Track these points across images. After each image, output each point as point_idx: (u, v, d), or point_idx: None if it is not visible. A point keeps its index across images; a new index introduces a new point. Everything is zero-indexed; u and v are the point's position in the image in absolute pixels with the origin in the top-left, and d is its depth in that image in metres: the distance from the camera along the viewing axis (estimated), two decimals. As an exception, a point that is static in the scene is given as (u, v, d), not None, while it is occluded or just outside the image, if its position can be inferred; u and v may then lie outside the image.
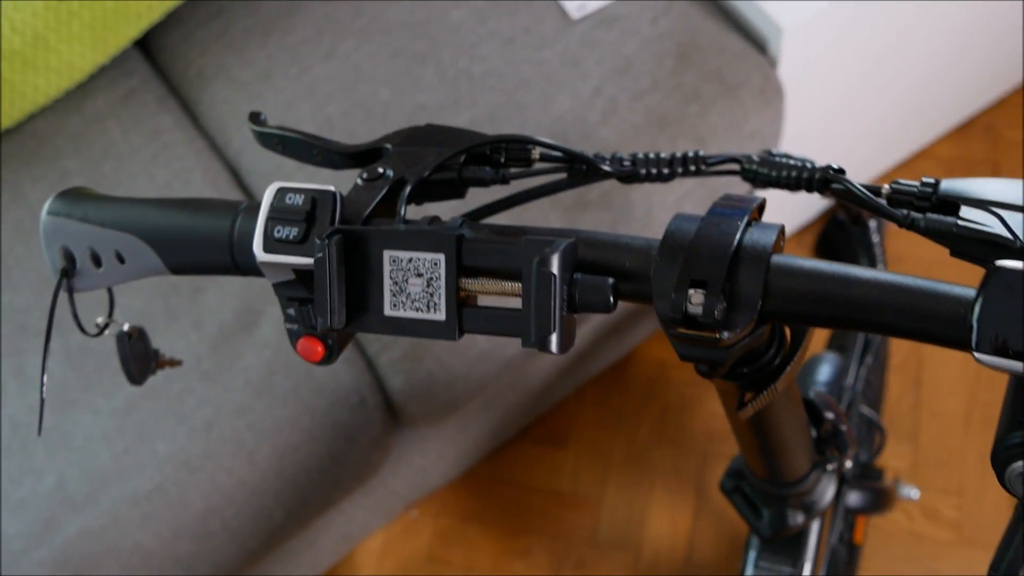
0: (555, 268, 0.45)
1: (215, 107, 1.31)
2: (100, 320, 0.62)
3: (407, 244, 0.48)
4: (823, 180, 0.53)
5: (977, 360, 0.40)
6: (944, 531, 1.47)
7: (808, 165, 0.55)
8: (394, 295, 0.49)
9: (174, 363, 0.68)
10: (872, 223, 0.87)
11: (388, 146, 0.57)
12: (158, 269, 0.57)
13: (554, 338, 0.45)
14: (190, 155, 1.27)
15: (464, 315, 0.48)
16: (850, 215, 0.88)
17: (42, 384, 0.58)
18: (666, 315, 0.45)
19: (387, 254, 0.49)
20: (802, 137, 1.35)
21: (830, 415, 0.69)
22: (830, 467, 0.72)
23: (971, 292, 0.41)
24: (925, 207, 0.48)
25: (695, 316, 0.45)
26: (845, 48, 1.28)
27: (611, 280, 0.46)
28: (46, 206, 0.58)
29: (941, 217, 0.47)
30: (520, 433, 1.61)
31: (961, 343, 0.41)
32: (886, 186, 0.50)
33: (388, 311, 0.49)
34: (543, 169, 0.57)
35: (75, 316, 0.59)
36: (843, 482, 0.87)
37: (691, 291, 0.45)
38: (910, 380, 1.56)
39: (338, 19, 1.30)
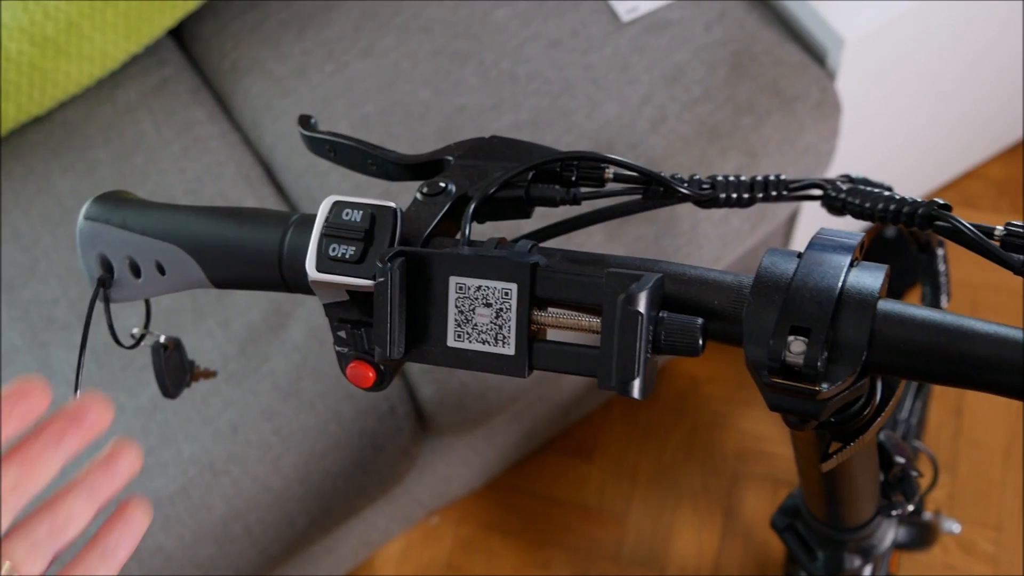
0: (642, 307, 0.41)
1: (248, 101, 1.27)
2: (136, 331, 0.58)
3: (476, 271, 0.44)
4: (927, 216, 0.49)
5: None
6: (980, 565, 1.42)
7: (908, 198, 0.51)
8: (459, 325, 0.45)
9: (208, 374, 0.65)
10: (940, 251, 0.82)
11: (449, 158, 0.53)
12: (200, 282, 0.53)
13: (637, 384, 0.41)
14: (223, 149, 1.24)
15: (535, 350, 0.45)
16: (919, 241, 0.84)
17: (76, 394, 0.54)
18: (760, 362, 0.42)
19: (453, 281, 0.45)
20: (851, 153, 1.30)
21: (900, 459, 0.65)
22: (895, 513, 0.68)
23: None
24: None
25: (794, 366, 0.41)
26: (903, 62, 1.24)
27: (700, 321, 0.42)
28: (83, 210, 0.55)
29: None
30: (545, 444, 1.58)
31: None
32: (999, 228, 0.46)
33: (452, 342, 0.45)
34: (616, 190, 0.53)
35: (111, 327, 0.55)
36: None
37: (791, 338, 0.41)
38: (951, 408, 1.52)
39: (376, 15, 1.26)
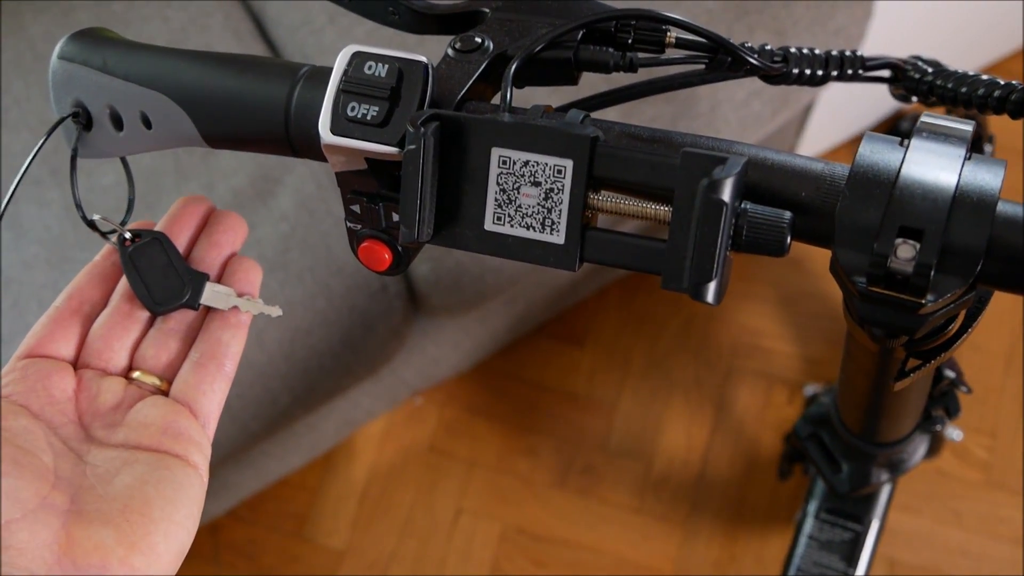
0: (727, 195, 0.34)
1: (240, -54, 1.17)
2: (97, 217, 0.50)
3: (524, 142, 0.38)
4: (1037, 104, 0.42)
5: None
6: (972, 471, 1.41)
7: (1016, 83, 0.44)
8: (500, 206, 0.39)
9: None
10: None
11: (486, 10, 0.46)
12: (192, 139, 0.46)
13: (712, 287, 0.35)
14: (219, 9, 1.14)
15: (588, 240, 0.38)
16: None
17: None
18: (857, 267, 0.35)
19: (496, 153, 0.38)
20: (876, 40, 1.22)
21: (951, 373, 0.60)
22: (937, 428, 0.63)
23: None
24: None
25: (898, 274, 0.34)
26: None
27: (789, 215, 0.36)
28: (58, 48, 0.47)
29: None
30: (537, 329, 1.53)
31: None
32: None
33: (490, 225, 0.39)
34: (676, 58, 0.46)
35: (72, 179, 0.48)
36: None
37: (899, 241, 0.34)
38: (956, 311, 1.48)
39: None
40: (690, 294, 0.36)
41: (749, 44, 0.46)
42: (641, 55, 0.46)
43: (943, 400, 0.62)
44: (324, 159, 0.43)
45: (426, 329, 1.24)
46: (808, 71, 0.48)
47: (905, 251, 0.34)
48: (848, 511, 0.75)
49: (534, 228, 0.38)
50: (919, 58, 0.54)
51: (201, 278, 0.50)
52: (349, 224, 0.44)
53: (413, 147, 0.37)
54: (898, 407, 0.57)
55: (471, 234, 0.39)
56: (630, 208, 0.37)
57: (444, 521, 1.45)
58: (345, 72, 0.41)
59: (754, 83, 1.08)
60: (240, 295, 0.50)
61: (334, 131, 0.40)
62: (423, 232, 0.39)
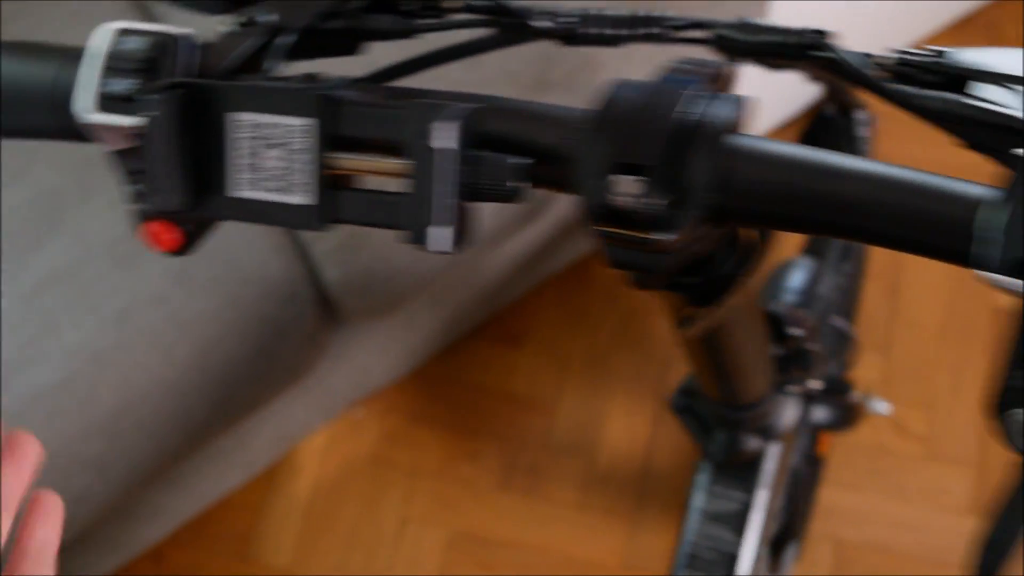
0: (441, 142, 0.34)
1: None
2: None
3: (259, 105, 0.37)
4: (800, 46, 0.42)
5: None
6: (911, 445, 1.41)
7: (792, 28, 0.44)
8: (241, 171, 0.38)
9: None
10: (861, 115, 0.76)
11: None
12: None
13: (435, 232, 0.35)
14: (113, 12, 1.14)
15: (336, 199, 0.38)
16: (841, 104, 0.77)
17: None
18: (591, 208, 0.35)
19: (232, 117, 0.38)
20: (788, 16, 1.23)
21: (796, 332, 0.59)
22: (792, 388, 0.63)
23: (997, 193, 0.31)
24: (929, 82, 0.37)
25: (624, 209, 0.34)
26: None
27: (521, 160, 0.36)
28: None
29: (942, 94, 0.36)
30: (474, 331, 1.52)
31: (962, 258, 0.31)
32: (887, 53, 0.39)
33: (234, 191, 0.39)
34: (461, 22, 0.46)
35: None
36: (807, 398, 0.78)
37: (622, 178, 0.34)
38: (887, 288, 1.48)
39: None
40: (419, 242, 0.35)
41: (538, 6, 0.46)
42: (424, 22, 0.45)
43: (797, 360, 0.62)
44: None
45: (349, 336, 1.24)
46: (602, 31, 0.48)
47: (624, 186, 0.34)
48: (734, 481, 0.74)
49: (280, 190, 0.38)
50: (743, 20, 0.53)
51: None
52: (131, 205, 0.44)
53: (154, 113, 0.37)
54: (733, 365, 0.57)
55: (220, 201, 0.39)
56: (368, 164, 0.37)
57: (390, 531, 1.45)
58: (107, 49, 0.41)
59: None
60: None
61: (93, 109, 0.40)
62: (171, 201, 0.38)
